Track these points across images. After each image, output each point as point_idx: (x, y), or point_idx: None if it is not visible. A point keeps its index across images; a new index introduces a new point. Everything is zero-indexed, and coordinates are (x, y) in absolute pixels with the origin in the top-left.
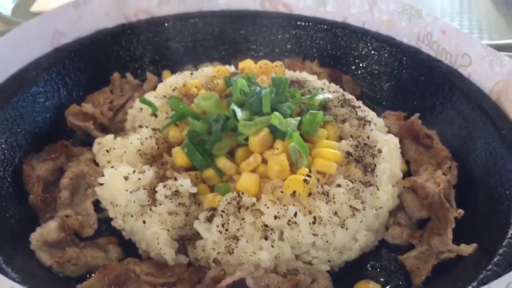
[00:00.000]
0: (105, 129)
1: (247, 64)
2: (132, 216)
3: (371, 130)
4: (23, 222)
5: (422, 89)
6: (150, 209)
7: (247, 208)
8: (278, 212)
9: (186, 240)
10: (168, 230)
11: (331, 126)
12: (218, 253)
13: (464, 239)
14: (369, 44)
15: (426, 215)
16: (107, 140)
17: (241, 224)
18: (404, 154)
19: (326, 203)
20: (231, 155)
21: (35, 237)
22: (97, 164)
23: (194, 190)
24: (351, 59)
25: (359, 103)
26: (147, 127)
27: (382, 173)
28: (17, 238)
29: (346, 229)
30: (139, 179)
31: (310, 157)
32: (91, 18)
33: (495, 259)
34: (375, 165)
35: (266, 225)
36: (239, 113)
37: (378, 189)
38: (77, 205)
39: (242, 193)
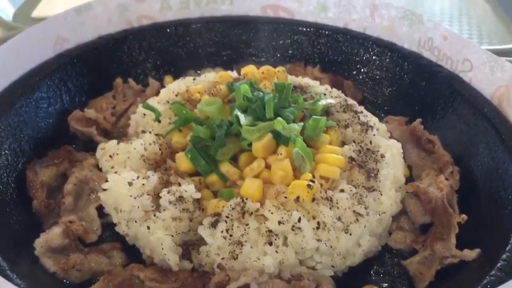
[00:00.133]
0: (107, 134)
1: (249, 69)
2: (136, 221)
3: (374, 135)
4: (27, 228)
5: (423, 94)
6: (154, 215)
7: (251, 213)
8: (282, 218)
9: (190, 246)
10: (172, 236)
11: (334, 131)
12: (223, 258)
13: (467, 244)
14: (370, 50)
15: (429, 220)
16: (111, 145)
17: (245, 230)
18: (406, 159)
19: (330, 208)
20: (234, 160)
21: (40, 243)
22: (100, 170)
23: (198, 195)
24: (352, 65)
25: (361, 108)
26: (150, 132)
27: (385, 178)
28: (21, 244)
29: (350, 234)
30: (143, 184)
31: (313, 163)
32: (93, 24)
33: (499, 264)
34: (378, 170)
35: (270, 231)
36: (243, 118)
37: (381, 194)
38: (80, 211)
39: (246, 199)
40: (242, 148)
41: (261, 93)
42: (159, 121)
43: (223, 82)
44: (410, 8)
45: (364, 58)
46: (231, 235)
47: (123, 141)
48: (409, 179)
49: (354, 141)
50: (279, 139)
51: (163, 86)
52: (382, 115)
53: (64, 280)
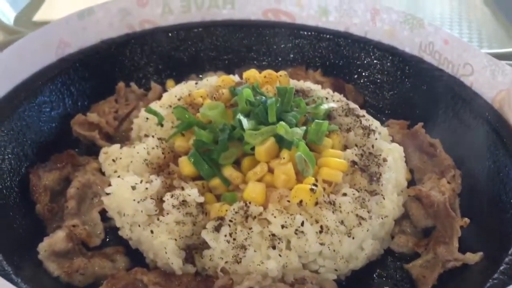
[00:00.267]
0: (110, 139)
1: (251, 73)
2: (139, 225)
3: (376, 139)
4: (31, 232)
5: (424, 98)
6: (158, 219)
7: (255, 217)
8: (285, 221)
9: (193, 250)
10: (176, 240)
11: (336, 135)
12: (226, 262)
13: (470, 247)
14: (371, 53)
15: (431, 224)
16: (113, 149)
17: (248, 234)
18: (408, 162)
19: (333, 212)
20: (237, 164)
21: (43, 247)
22: (103, 174)
23: (201, 199)
24: (353, 68)
25: (363, 112)
26: (153, 136)
27: (387, 182)
28: (25, 247)
29: (353, 238)
30: (146, 188)
31: (316, 166)
32: (95, 29)
33: (501, 268)
34: (380, 174)
35: (273, 234)
36: (245, 122)
37: (384, 198)
38: (84, 215)
39: (249, 203)
40: (245, 152)
41: (263, 97)
42: (162, 125)
43: (226, 86)
44: (410, 12)
45: (365, 62)
46: (234, 239)
47: (125, 145)
48: (411, 182)
49: (356, 145)
50: (282, 143)
51: (165, 90)
52: (384, 119)
53: (68, 284)
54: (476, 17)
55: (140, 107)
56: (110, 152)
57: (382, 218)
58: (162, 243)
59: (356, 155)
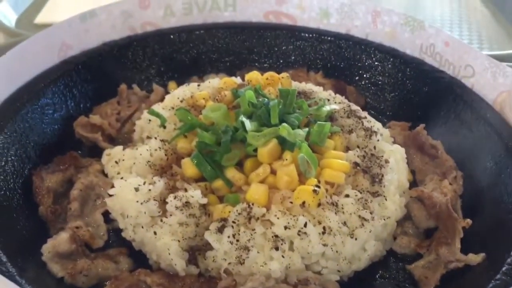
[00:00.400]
0: (112, 140)
1: (254, 75)
2: (142, 227)
3: (378, 140)
4: (34, 234)
5: (425, 99)
6: (161, 220)
7: (258, 218)
8: (288, 223)
9: (196, 251)
10: (179, 241)
11: (338, 136)
12: (229, 263)
13: (472, 248)
14: (372, 55)
15: (434, 225)
16: (116, 151)
17: (251, 235)
18: (409, 164)
19: (335, 213)
20: (240, 166)
21: (47, 249)
22: (106, 175)
23: (204, 201)
24: (355, 70)
25: (365, 113)
26: (155, 138)
27: (389, 183)
28: (29, 249)
29: (355, 239)
30: (150, 190)
31: (318, 168)
32: (97, 31)
33: (504, 268)
34: (382, 175)
35: (276, 236)
36: (248, 124)
37: (386, 199)
38: (87, 216)
39: (252, 204)
40: (247, 154)
41: (265, 99)
42: (164, 127)
43: (228, 88)
44: (411, 14)
45: (366, 64)
46: (237, 240)
47: (128, 147)
48: (413, 184)
49: (358, 147)
50: (284, 144)
51: (167, 92)
52: (385, 120)
53: (71, 286)
54: (476, 19)
55: (142, 109)
56: (113, 154)
57: (384, 219)
58: (165, 244)
59: (358, 156)
